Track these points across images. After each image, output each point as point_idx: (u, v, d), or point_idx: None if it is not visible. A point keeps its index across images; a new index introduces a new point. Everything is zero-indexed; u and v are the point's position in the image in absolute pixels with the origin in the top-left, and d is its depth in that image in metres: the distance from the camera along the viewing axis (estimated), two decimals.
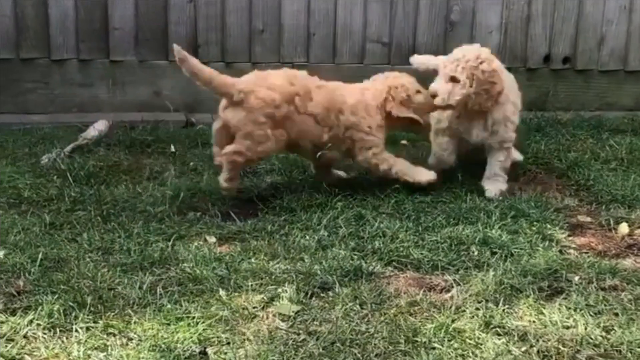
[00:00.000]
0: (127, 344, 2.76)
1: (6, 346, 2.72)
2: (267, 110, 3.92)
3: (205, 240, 3.59)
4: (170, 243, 3.50)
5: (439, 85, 4.18)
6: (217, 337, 2.81)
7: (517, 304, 3.11)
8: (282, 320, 2.94)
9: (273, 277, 3.24)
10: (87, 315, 2.90)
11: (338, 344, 2.79)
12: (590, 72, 6.12)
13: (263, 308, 3.02)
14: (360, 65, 5.81)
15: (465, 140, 4.35)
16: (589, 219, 4.03)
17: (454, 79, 4.14)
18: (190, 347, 2.73)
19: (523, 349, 2.81)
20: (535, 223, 3.88)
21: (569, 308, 3.08)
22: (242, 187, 4.21)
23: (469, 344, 2.84)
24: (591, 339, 2.87)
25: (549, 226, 3.86)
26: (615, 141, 5.23)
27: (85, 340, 2.77)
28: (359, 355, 2.74)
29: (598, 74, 6.13)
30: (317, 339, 2.81)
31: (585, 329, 2.93)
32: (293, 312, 3.00)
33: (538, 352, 2.80)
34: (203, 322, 2.87)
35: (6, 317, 2.88)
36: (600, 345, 2.83)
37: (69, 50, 5.45)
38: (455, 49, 4.27)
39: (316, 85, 4.17)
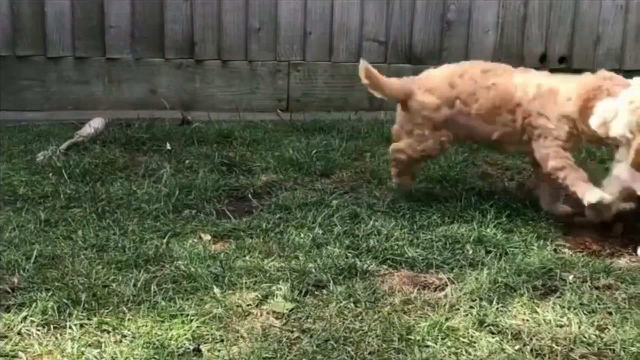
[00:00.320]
0: (120, 341, 2.77)
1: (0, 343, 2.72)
2: (424, 114, 3.95)
3: (200, 237, 3.60)
4: (165, 240, 3.51)
5: None
6: (211, 335, 2.81)
7: (511, 302, 3.11)
8: (276, 318, 2.95)
9: (267, 274, 3.25)
10: (81, 312, 2.90)
11: (332, 342, 2.79)
12: (587, 72, 6.11)
13: (257, 306, 3.02)
14: (357, 64, 5.79)
15: None
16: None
17: None
18: (184, 344, 2.74)
19: (516, 347, 2.81)
20: (530, 222, 3.88)
21: (563, 307, 3.08)
22: (238, 185, 4.22)
23: (463, 342, 2.84)
24: (585, 337, 2.88)
25: (543, 225, 3.86)
26: None
27: (79, 337, 2.77)
28: (352, 353, 2.74)
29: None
30: (311, 337, 2.82)
31: (579, 327, 2.93)
32: (287, 309, 3.00)
33: (531, 350, 2.80)
34: (197, 320, 2.87)
35: (0, 314, 2.88)
36: (593, 344, 2.84)
37: (65, 47, 5.45)
38: None
39: (486, 86, 3.91)
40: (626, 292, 3.21)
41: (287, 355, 2.71)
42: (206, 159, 4.53)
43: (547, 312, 3.03)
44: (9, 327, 2.81)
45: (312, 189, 4.23)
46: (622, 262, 3.55)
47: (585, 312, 3.05)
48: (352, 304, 3.06)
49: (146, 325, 2.84)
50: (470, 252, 3.55)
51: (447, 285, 3.25)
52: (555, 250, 3.62)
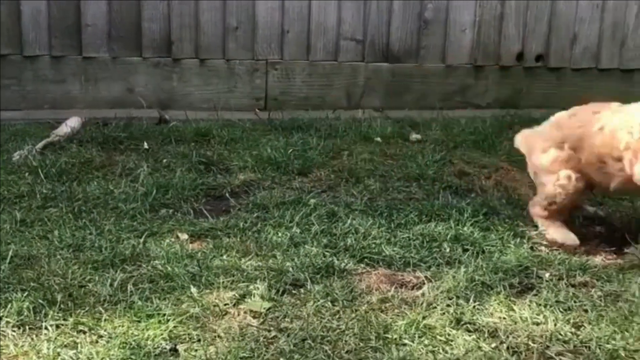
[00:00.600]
0: (97, 342, 2.75)
1: None
2: None
3: (177, 237, 3.58)
4: (142, 240, 3.49)
5: None
6: (188, 334, 2.80)
7: (488, 300, 3.12)
8: (253, 317, 2.94)
9: (245, 274, 3.24)
10: (57, 313, 2.88)
11: (309, 341, 2.79)
12: (563, 70, 6.16)
13: (234, 305, 3.01)
14: (335, 63, 5.82)
15: None
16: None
17: None
18: (161, 344, 2.72)
19: (493, 345, 2.82)
20: (507, 220, 3.90)
21: (539, 304, 3.10)
22: (215, 184, 4.22)
23: (440, 340, 2.85)
24: (561, 335, 2.89)
25: (520, 223, 3.88)
26: None
27: (55, 338, 2.75)
28: (329, 352, 2.74)
29: (571, 72, 6.17)
30: (288, 336, 2.81)
31: (555, 325, 2.95)
32: (264, 309, 2.99)
33: (508, 348, 2.81)
34: (174, 319, 2.86)
35: None
36: (569, 342, 2.85)
37: (42, 46, 5.42)
38: None
39: (596, 129, 3.61)
40: (602, 290, 3.23)
41: (264, 355, 2.71)
42: (184, 158, 4.51)
43: (524, 309, 3.05)
44: None
45: (290, 187, 4.23)
46: (598, 259, 3.57)
47: (561, 309, 3.06)
48: (329, 303, 3.06)
49: (122, 326, 2.82)
50: (448, 250, 3.56)
51: (424, 283, 3.26)
52: (532, 248, 3.64)
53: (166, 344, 2.72)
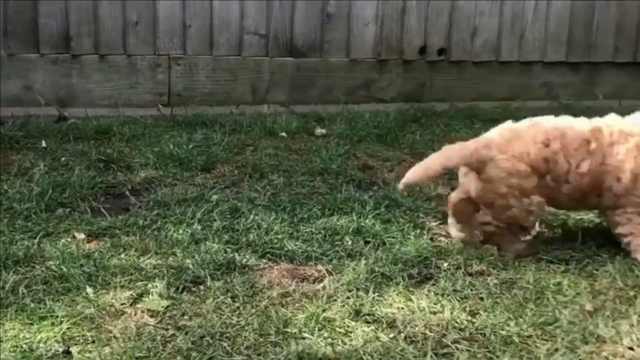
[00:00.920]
0: None
1: None
2: None
3: (74, 236, 3.50)
4: (36, 241, 3.40)
5: None
6: (82, 336, 2.74)
7: (387, 291, 3.15)
8: (151, 317, 2.89)
9: (143, 272, 3.19)
10: None
11: (207, 338, 2.76)
12: (465, 64, 6.26)
13: (131, 304, 2.96)
14: (239, 58, 5.79)
15: None
16: None
17: None
18: (53, 346, 2.65)
19: (391, 335, 2.84)
20: (408, 212, 3.94)
21: (437, 294, 3.13)
22: (115, 182, 4.15)
23: (339, 332, 2.85)
24: (457, 323, 2.93)
25: (421, 215, 3.93)
26: (487, 130, 5.35)
27: None
28: (228, 348, 2.71)
29: (472, 65, 6.28)
30: (186, 334, 2.78)
31: (452, 313, 2.98)
32: (162, 307, 2.95)
33: (405, 337, 2.83)
34: (67, 321, 2.79)
35: None
36: (465, 329, 2.89)
37: None
38: None
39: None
40: (497, 278, 3.28)
41: (161, 354, 2.67)
42: (83, 156, 4.42)
43: (422, 299, 3.08)
44: None
45: (192, 184, 4.19)
46: (495, 248, 3.63)
47: (458, 298, 3.10)
48: (229, 299, 3.03)
49: (14, 329, 2.74)
50: (350, 243, 3.57)
51: (325, 277, 3.26)
52: (431, 239, 3.68)
53: (59, 346, 2.65)
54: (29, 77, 5.40)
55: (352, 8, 5.91)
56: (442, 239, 3.70)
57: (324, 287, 3.18)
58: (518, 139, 3.51)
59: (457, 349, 2.76)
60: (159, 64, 5.63)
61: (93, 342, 2.71)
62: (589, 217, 3.89)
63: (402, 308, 3.03)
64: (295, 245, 3.52)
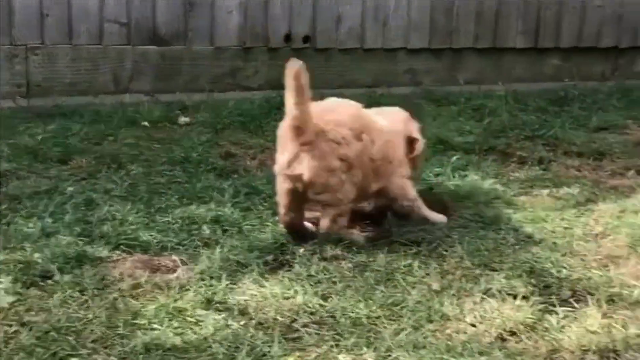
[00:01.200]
0: None
1: None
2: None
3: None
4: None
5: None
6: None
7: (241, 279, 3.15)
8: None
9: None
10: None
11: (53, 333, 2.70)
12: (330, 51, 6.30)
13: None
14: (100, 47, 5.67)
15: None
16: None
17: None
18: None
19: (242, 322, 2.84)
20: (267, 199, 3.95)
21: (291, 279, 3.16)
22: None
23: (190, 322, 2.84)
24: (308, 307, 2.96)
25: None
26: None
27: None
28: (74, 342, 2.66)
29: (337, 53, 6.33)
30: (30, 330, 2.71)
31: (304, 298, 3.01)
32: (8, 303, 2.87)
33: (257, 324, 2.84)
34: None
35: None
36: (316, 313, 2.92)
37: None
38: None
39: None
40: (351, 262, 3.33)
41: (3, 351, 2.59)
42: None
43: (275, 285, 3.09)
44: None
45: (47, 176, 4.09)
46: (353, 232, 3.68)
47: (311, 283, 3.14)
48: (78, 293, 2.97)
49: None
50: (207, 232, 3.56)
51: (179, 266, 3.25)
52: None
53: None
54: None
55: None
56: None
57: (177, 277, 3.16)
58: None
59: (307, 333, 2.79)
60: (15, 54, 5.45)
61: None
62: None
63: (255, 295, 3.04)
64: (151, 235, 3.48)
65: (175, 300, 2.95)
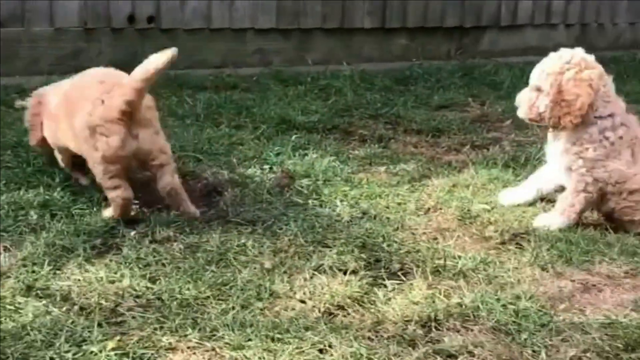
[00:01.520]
0: None
1: None
2: None
3: None
4: None
5: None
6: None
7: (66, 264, 3.06)
8: None
9: None
10: None
11: None
12: (176, 31, 6.21)
13: None
14: None
15: None
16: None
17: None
18: None
19: (64, 308, 2.76)
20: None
21: (119, 263, 3.09)
22: None
23: (9, 309, 2.73)
24: (135, 290, 2.90)
25: None
26: (196, 98, 5.39)
27: None
28: None
29: (183, 33, 6.24)
30: None
31: (131, 281, 2.95)
32: None
33: (80, 309, 2.76)
34: None
35: None
36: (142, 296, 2.87)
37: None
38: None
39: None
40: (183, 242, 3.28)
41: None
42: None
43: (101, 270, 3.02)
44: None
45: None
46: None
47: (140, 266, 3.07)
48: None
49: None
50: (35, 217, 3.44)
51: (0, 253, 3.12)
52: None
53: None
54: None
55: None
56: (134, 207, 3.65)
57: None
58: None
59: (131, 317, 2.73)
60: None
61: None
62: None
63: (79, 280, 2.96)
64: None
65: None
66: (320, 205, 3.74)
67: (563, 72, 3.52)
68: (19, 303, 2.78)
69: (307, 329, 2.69)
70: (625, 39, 8.14)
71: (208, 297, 2.88)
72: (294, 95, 5.62)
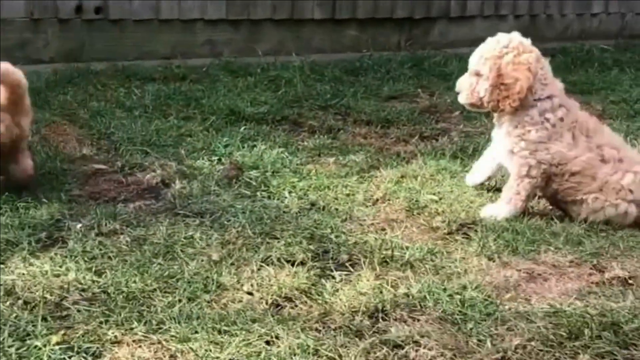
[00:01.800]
0: None
1: None
2: None
3: None
4: None
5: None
6: None
7: (10, 258, 3.02)
8: None
9: None
10: None
11: None
12: (124, 22, 6.14)
13: None
14: None
15: None
16: (104, 167, 4.05)
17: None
18: None
19: (8, 302, 2.72)
20: (47, 175, 3.83)
21: (64, 256, 3.05)
22: None
23: None
24: (80, 284, 2.86)
25: (60, 177, 3.82)
26: (145, 89, 5.34)
27: None
28: None
29: (132, 24, 6.17)
30: None
31: (76, 275, 2.91)
32: None
33: (24, 303, 2.72)
34: None
35: None
36: (88, 290, 2.83)
37: None
38: None
39: None
40: (130, 235, 3.26)
41: None
42: None
43: (46, 263, 2.98)
44: None
45: None
46: (134, 206, 3.60)
47: (86, 259, 3.04)
48: None
49: None
50: None
51: None
52: (69, 200, 3.59)
53: None
54: None
55: None
56: (81, 200, 3.62)
57: None
58: None
59: (76, 310, 2.70)
60: None
61: None
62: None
63: (24, 274, 2.91)
64: None
65: None
66: (269, 197, 3.74)
67: (501, 56, 3.57)
68: None
69: (254, 321, 2.68)
70: (574, 30, 8.24)
71: (154, 290, 2.86)
72: (244, 87, 5.60)
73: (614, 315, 2.73)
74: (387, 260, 3.15)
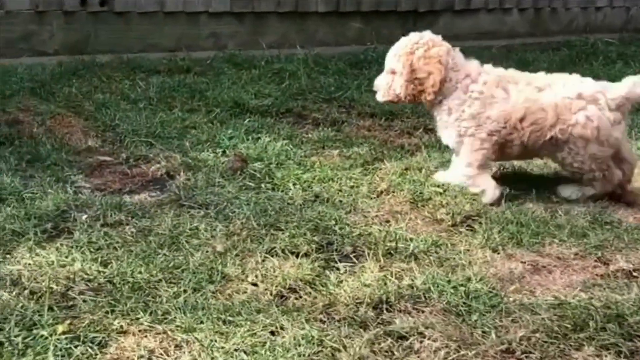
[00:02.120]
0: None
1: None
2: None
3: None
4: None
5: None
6: None
7: (17, 248, 3.03)
8: None
9: None
10: None
11: None
12: (129, 14, 6.15)
13: None
14: None
15: None
16: (109, 159, 4.06)
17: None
18: None
19: (14, 292, 2.73)
20: (52, 166, 3.83)
21: (70, 247, 3.06)
22: None
23: None
24: (86, 274, 2.87)
25: (66, 169, 3.82)
26: (149, 81, 5.34)
27: None
28: None
29: (137, 16, 6.18)
30: None
31: (82, 265, 2.92)
32: None
33: (30, 293, 2.73)
34: None
35: None
36: (94, 280, 2.84)
37: None
38: None
39: None
40: (135, 226, 3.27)
41: None
42: None
43: (52, 253, 2.99)
44: None
45: None
46: (139, 197, 3.61)
47: (91, 249, 3.05)
48: None
49: None
50: None
51: None
52: (75, 192, 3.59)
53: None
54: None
55: None
56: (87, 191, 3.63)
57: None
58: None
59: (82, 300, 2.71)
60: None
61: None
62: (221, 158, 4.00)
63: (30, 264, 2.92)
64: None
65: None
66: (273, 189, 3.75)
67: (413, 52, 3.72)
68: None
69: (258, 311, 2.69)
70: (578, 23, 8.24)
71: (160, 280, 2.87)
72: (248, 79, 5.60)
73: (619, 308, 2.73)
74: (392, 251, 3.16)
